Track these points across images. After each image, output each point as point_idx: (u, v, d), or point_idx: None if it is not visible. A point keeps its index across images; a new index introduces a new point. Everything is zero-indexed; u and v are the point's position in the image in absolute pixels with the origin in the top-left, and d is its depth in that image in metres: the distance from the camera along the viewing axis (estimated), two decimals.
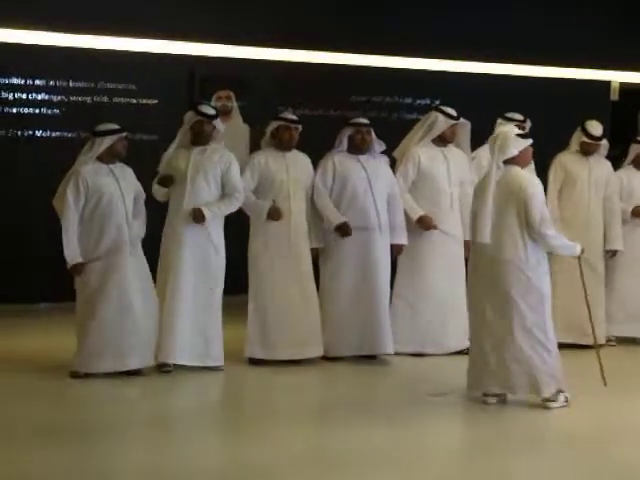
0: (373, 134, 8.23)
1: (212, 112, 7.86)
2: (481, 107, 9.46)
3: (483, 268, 6.76)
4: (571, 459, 5.88)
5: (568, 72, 12.32)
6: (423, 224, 8.33)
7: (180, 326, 7.57)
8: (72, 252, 7.32)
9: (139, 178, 7.62)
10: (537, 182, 6.76)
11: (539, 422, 6.58)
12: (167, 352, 7.57)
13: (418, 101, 11.60)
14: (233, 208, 7.78)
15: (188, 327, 7.61)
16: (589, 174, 8.72)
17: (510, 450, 6.09)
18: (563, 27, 11.95)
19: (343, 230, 8.06)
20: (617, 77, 12.75)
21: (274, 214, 7.90)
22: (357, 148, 8.21)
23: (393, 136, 8.57)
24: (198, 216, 7.57)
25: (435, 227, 8.35)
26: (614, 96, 12.74)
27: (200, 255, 7.64)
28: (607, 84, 12.67)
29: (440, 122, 8.42)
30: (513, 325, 6.65)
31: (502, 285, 6.65)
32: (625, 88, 12.79)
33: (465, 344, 8.35)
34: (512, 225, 6.62)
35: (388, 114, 11.57)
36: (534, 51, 11.79)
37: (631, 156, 9.07)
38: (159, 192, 7.75)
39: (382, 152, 8.34)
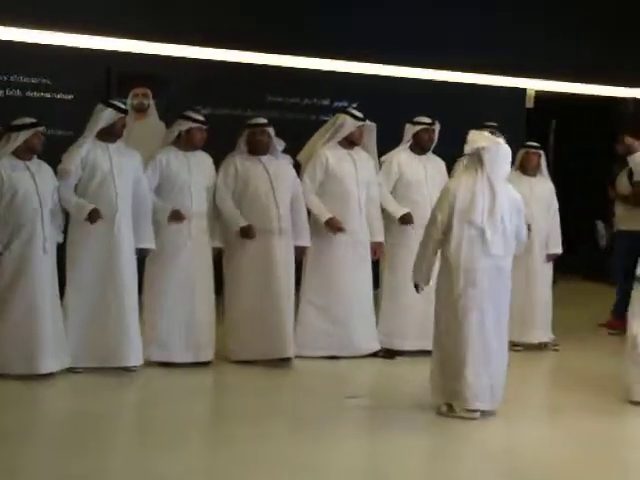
0: (272, 134, 8.15)
1: (125, 107, 7.85)
2: (391, 110, 9.52)
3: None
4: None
5: (485, 78, 12.45)
6: (331, 227, 8.30)
7: None
8: None
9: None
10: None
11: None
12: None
13: (335, 103, 11.60)
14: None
15: None
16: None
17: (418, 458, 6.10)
18: (482, 31, 12.09)
19: (246, 233, 7.99)
20: (533, 85, 12.94)
21: (176, 216, 7.81)
22: (255, 149, 8.12)
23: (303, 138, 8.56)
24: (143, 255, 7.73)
25: (342, 230, 8.31)
26: (529, 103, 12.93)
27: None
28: (523, 91, 12.85)
29: (348, 124, 8.40)
30: None
31: None
32: (540, 96, 12.98)
33: (376, 347, 8.43)
34: None
35: (306, 115, 11.56)
36: (452, 56, 11.88)
37: (517, 162, 9.12)
38: (78, 213, 7.54)
39: (284, 151, 8.27)
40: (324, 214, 8.30)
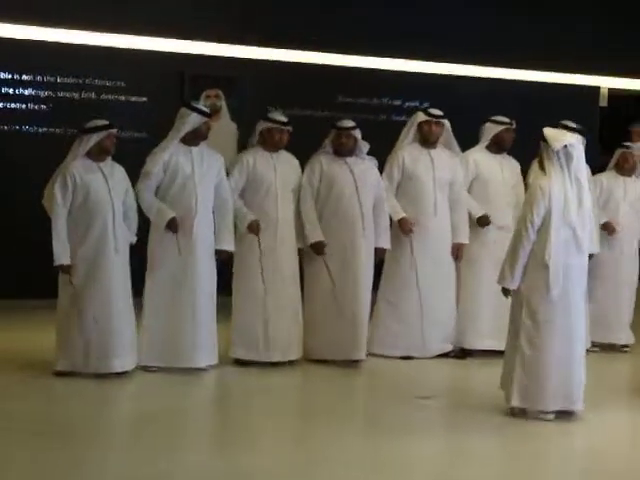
0: (358, 136, 8.17)
1: (209, 111, 7.90)
2: (470, 110, 9.46)
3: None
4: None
5: (557, 77, 12.34)
6: (402, 227, 8.30)
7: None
8: (61, 251, 7.25)
9: (129, 176, 7.57)
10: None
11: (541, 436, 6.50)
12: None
13: (407, 103, 11.58)
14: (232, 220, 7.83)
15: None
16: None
17: (497, 460, 6.06)
18: (552, 32, 11.99)
19: (317, 249, 8.02)
20: (606, 83, 12.78)
21: (253, 228, 7.84)
22: (339, 151, 8.15)
23: (383, 137, 8.55)
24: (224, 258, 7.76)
25: (412, 231, 8.29)
26: (603, 102, 12.78)
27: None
28: (596, 90, 12.71)
29: (418, 119, 8.44)
30: None
31: None
32: (614, 94, 12.82)
33: (448, 347, 8.41)
34: None
35: (376, 116, 11.56)
36: (524, 55, 11.82)
37: (614, 160, 9.06)
38: (159, 219, 7.61)
39: (370, 154, 8.29)
40: (399, 213, 8.30)
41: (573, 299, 6.58)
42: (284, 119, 8.08)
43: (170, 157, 7.62)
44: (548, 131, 6.63)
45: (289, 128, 8.03)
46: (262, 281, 7.88)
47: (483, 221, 8.45)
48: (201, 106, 8.03)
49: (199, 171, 7.64)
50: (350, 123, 8.20)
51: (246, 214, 7.86)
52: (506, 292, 6.65)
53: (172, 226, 7.53)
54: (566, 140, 6.55)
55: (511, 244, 6.61)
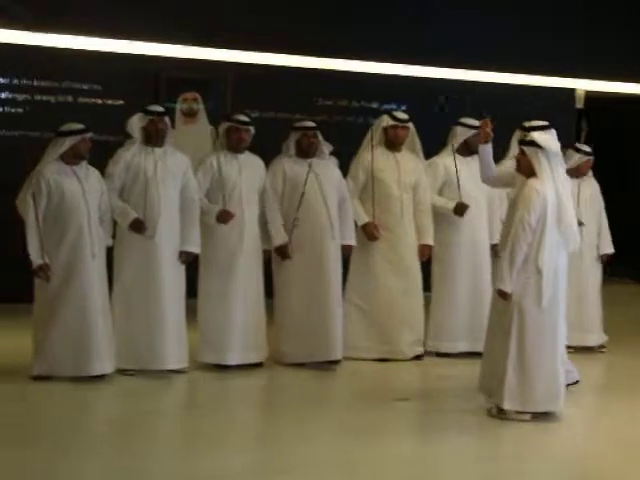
0: (320, 137, 8.18)
1: (162, 109, 7.86)
2: (446, 113, 9.50)
3: None
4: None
5: (534, 80, 12.38)
6: (366, 232, 8.32)
7: None
8: (35, 253, 7.22)
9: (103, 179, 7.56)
10: None
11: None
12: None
13: (384, 106, 11.60)
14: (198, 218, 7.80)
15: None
16: None
17: (478, 461, 6.06)
18: (528, 35, 12.04)
19: (282, 253, 8.03)
20: (583, 85, 12.84)
21: (223, 217, 7.81)
22: (304, 152, 8.15)
23: (360, 140, 8.56)
24: (188, 260, 7.73)
25: (377, 238, 8.31)
26: (579, 104, 12.84)
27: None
28: (572, 92, 12.76)
29: (384, 122, 8.45)
30: None
31: None
32: (590, 96, 12.88)
33: (420, 350, 8.43)
34: None
35: (354, 118, 11.58)
36: (501, 58, 11.85)
37: (571, 164, 9.01)
38: (121, 220, 7.62)
39: (337, 154, 8.31)
40: (363, 218, 8.33)
41: (560, 300, 6.66)
42: (245, 119, 8.04)
43: (132, 158, 7.63)
44: (537, 135, 6.70)
45: (249, 128, 7.99)
46: (228, 283, 7.87)
47: (459, 209, 8.45)
48: (151, 106, 7.95)
49: (162, 171, 7.62)
50: (311, 123, 8.23)
51: (212, 207, 7.82)
52: (504, 295, 6.63)
53: (135, 227, 7.52)
54: (556, 144, 6.67)
55: (509, 247, 6.60)
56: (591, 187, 9.09)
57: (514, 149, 8.58)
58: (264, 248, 8.06)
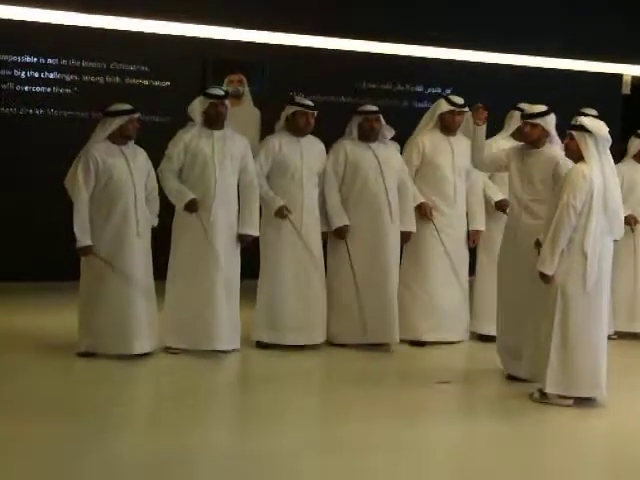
0: (382, 121, 8.23)
1: (222, 93, 7.88)
2: (493, 98, 9.46)
3: None
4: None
5: (580, 64, 12.32)
6: (421, 211, 8.32)
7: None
8: (83, 233, 7.30)
9: (152, 160, 7.64)
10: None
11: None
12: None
13: (429, 89, 11.60)
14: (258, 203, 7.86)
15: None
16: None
17: (517, 444, 6.07)
18: (575, 20, 11.98)
19: (341, 233, 8.07)
20: (630, 70, 12.75)
21: (282, 213, 7.87)
22: (367, 136, 8.20)
23: (404, 124, 8.57)
24: (246, 242, 7.78)
25: (431, 216, 8.31)
26: (626, 90, 12.75)
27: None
28: (619, 77, 12.68)
29: (441, 107, 8.42)
30: None
31: None
32: (637, 82, 12.79)
33: (466, 336, 8.50)
34: None
35: (399, 102, 11.58)
36: (546, 43, 11.80)
37: (632, 150, 9.07)
38: (177, 200, 7.68)
39: (392, 138, 8.34)
40: (417, 198, 8.31)
41: (605, 285, 6.68)
42: (310, 103, 8.11)
43: (191, 140, 7.69)
44: (587, 120, 6.70)
45: (315, 112, 8.06)
46: (288, 265, 7.95)
47: (502, 204, 8.43)
48: (212, 89, 8.02)
49: (219, 154, 7.68)
50: (374, 107, 8.28)
51: (274, 198, 7.90)
52: (545, 278, 6.65)
53: (191, 207, 7.59)
54: (605, 129, 6.66)
55: (552, 229, 6.60)
56: None
57: (508, 129, 8.59)
58: (322, 230, 8.12)
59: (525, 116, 7.34)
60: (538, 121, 7.21)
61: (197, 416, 6.27)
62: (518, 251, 7.19)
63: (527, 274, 6.91)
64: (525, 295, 7.05)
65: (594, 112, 8.62)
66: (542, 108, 7.26)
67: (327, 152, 8.20)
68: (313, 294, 8.03)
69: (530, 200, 7.21)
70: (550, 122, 7.26)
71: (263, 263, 8.02)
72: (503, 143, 8.50)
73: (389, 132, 8.28)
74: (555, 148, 7.29)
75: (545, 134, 7.27)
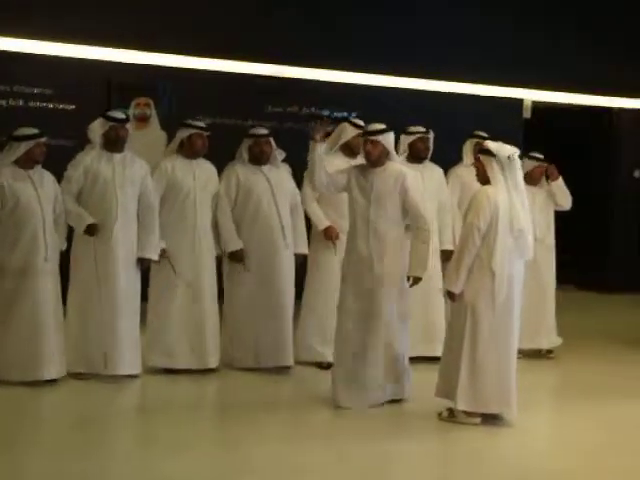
0: (273, 144, 8.23)
1: (124, 116, 7.87)
2: (388, 121, 9.59)
3: None
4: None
5: (482, 89, 12.55)
6: (327, 235, 8.31)
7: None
8: None
9: (59, 184, 7.57)
10: None
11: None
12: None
13: (335, 113, 11.68)
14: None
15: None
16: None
17: (424, 463, 6.11)
18: (478, 44, 12.19)
19: (236, 257, 8.08)
20: (529, 95, 13.01)
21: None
22: (257, 159, 8.19)
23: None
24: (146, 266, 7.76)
25: (337, 239, 8.25)
26: (527, 114, 13.01)
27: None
28: (520, 102, 12.94)
29: (347, 132, 8.43)
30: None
31: None
32: (538, 106, 13.05)
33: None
34: None
35: (304, 125, 11.63)
36: (450, 68, 11.99)
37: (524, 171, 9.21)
38: (76, 224, 7.62)
39: (284, 161, 8.36)
40: (323, 222, 8.32)
41: (515, 304, 6.79)
42: (203, 124, 8.14)
43: (91, 163, 7.65)
44: (492, 144, 6.84)
45: (208, 133, 8.08)
46: (180, 286, 7.93)
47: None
48: (113, 112, 7.98)
49: (120, 178, 7.65)
50: (265, 130, 8.28)
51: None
52: (452, 296, 6.78)
53: (90, 231, 7.54)
54: (509, 150, 6.76)
55: (458, 249, 6.79)
56: (541, 195, 9.23)
57: (467, 158, 8.78)
58: (217, 253, 8.11)
59: (366, 133, 7.33)
60: (379, 138, 7.21)
61: (105, 444, 6.23)
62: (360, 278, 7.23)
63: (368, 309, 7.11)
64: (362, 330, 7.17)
65: (484, 134, 8.81)
66: (382, 126, 7.25)
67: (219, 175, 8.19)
68: (206, 318, 7.99)
69: (377, 219, 7.19)
70: (390, 141, 7.26)
71: (153, 288, 8.00)
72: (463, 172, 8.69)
73: (280, 155, 8.29)
74: (397, 164, 7.34)
75: (385, 152, 7.27)
